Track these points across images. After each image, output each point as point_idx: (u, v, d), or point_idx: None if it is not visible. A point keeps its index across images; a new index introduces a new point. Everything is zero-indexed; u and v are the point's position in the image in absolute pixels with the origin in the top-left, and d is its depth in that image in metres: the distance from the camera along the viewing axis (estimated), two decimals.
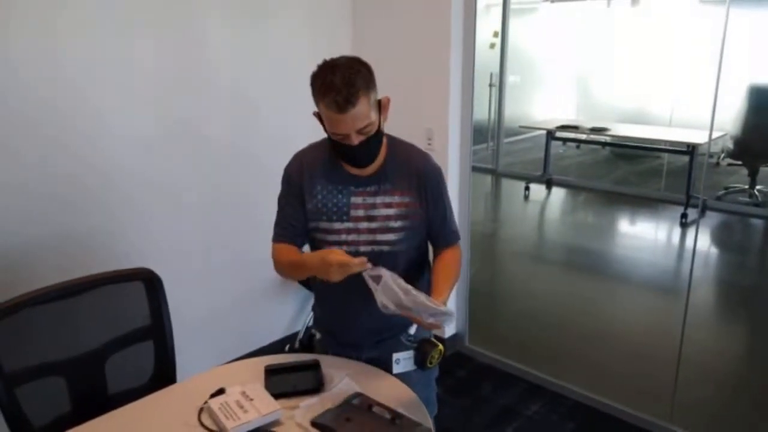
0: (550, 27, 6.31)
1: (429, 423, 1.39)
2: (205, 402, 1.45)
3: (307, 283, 2.99)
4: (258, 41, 2.82)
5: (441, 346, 1.48)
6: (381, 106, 1.47)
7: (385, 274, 1.38)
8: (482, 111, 5.69)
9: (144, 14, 2.39)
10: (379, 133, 1.47)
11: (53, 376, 1.57)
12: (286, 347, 3.15)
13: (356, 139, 1.41)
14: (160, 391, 1.58)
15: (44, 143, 2.21)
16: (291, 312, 3.30)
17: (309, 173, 1.57)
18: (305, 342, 2.99)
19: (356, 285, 1.43)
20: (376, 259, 1.48)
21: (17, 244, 2.20)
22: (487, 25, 5.37)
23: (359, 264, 1.39)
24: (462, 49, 2.85)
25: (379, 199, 1.54)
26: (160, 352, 1.74)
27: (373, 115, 1.42)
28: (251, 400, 1.43)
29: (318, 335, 1.78)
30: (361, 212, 1.54)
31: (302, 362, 1.61)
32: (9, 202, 2.15)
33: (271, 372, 1.57)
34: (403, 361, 1.61)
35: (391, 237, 1.54)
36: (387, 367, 1.61)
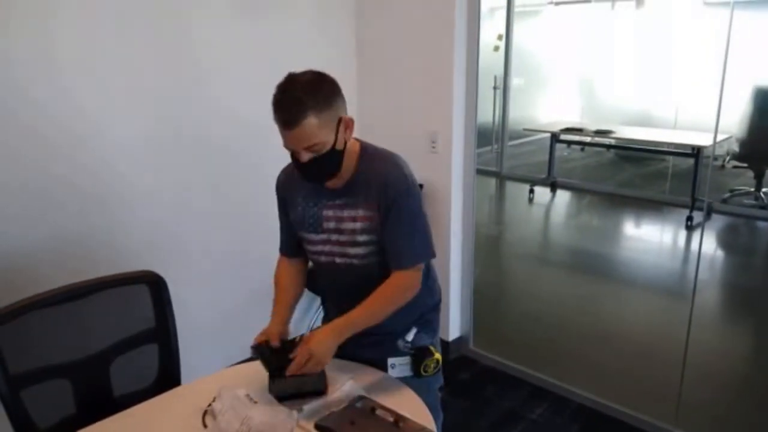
0: (554, 29, 6.31)
1: (432, 426, 1.39)
2: (209, 404, 1.45)
3: (314, 288, 3.00)
4: (259, 43, 2.82)
5: (438, 355, 1.48)
6: (342, 124, 1.44)
7: None
8: (486, 114, 5.69)
9: (142, 15, 2.40)
10: (334, 152, 1.43)
11: (58, 379, 1.58)
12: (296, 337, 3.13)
13: (305, 156, 1.41)
14: (165, 393, 1.59)
15: (45, 146, 2.22)
16: (296, 314, 3.29)
17: (291, 185, 1.62)
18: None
19: (351, 282, 1.52)
20: (351, 271, 1.57)
21: (21, 247, 2.21)
22: (491, 28, 5.37)
23: None
24: (466, 52, 2.85)
25: (346, 213, 1.55)
26: (165, 355, 1.75)
27: (325, 135, 1.39)
28: (255, 402, 1.43)
29: None
30: (332, 224, 1.57)
31: None
32: (12, 205, 2.16)
33: (274, 375, 1.57)
34: (398, 366, 1.60)
35: (359, 251, 1.56)
36: (383, 370, 1.62)
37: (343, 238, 1.56)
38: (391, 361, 1.59)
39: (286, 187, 1.65)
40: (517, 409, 2.77)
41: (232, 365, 1.79)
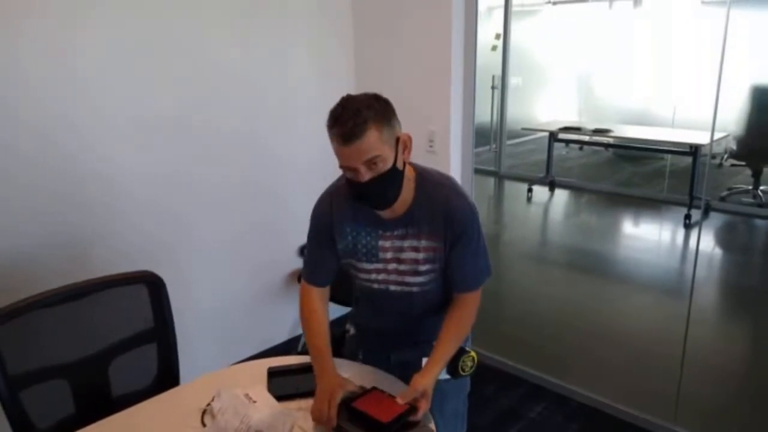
0: (552, 29, 6.32)
1: (429, 418, 1.40)
2: (208, 404, 1.46)
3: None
4: (260, 39, 2.82)
5: (474, 354, 1.44)
6: (400, 143, 1.38)
7: None
8: (485, 113, 5.70)
9: (148, 10, 2.41)
10: (396, 171, 1.37)
11: (57, 379, 1.58)
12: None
13: (366, 175, 1.33)
14: (164, 393, 1.59)
15: (46, 145, 2.21)
16: (295, 314, 3.30)
17: (338, 214, 1.53)
18: (337, 337, 2.94)
19: (403, 306, 1.52)
20: (408, 298, 1.53)
21: (20, 247, 2.21)
22: (489, 28, 5.39)
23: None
24: (463, 52, 2.85)
25: (406, 243, 1.49)
26: (164, 354, 1.75)
27: (386, 150, 1.33)
28: (254, 402, 1.43)
29: (352, 330, 1.78)
30: (389, 254, 1.51)
31: (305, 364, 1.61)
32: (11, 204, 2.16)
33: (273, 374, 1.58)
34: None
35: (419, 279, 1.51)
36: (417, 371, 1.52)
37: (403, 267, 1.50)
38: (426, 361, 1.53)
39: (332, 216, 1.54)
40: (516, 407, 2.78)
41: (231, 365, 1.79)
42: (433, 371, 1.41)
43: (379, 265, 1.52)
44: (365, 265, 1.54)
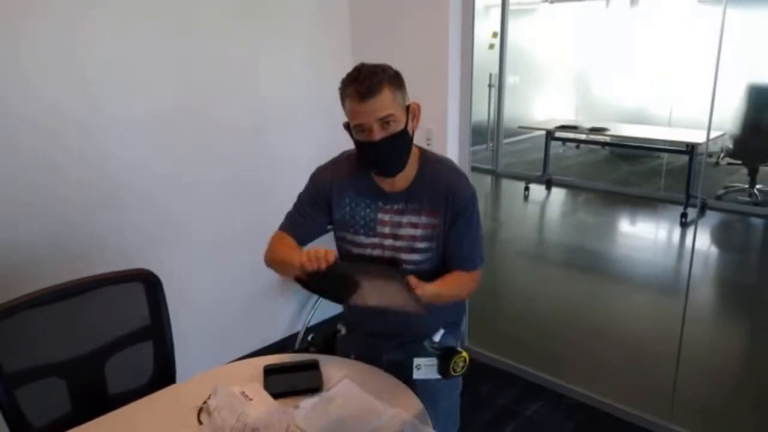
0: (549, 27, 6.32)
1: (427, 419, 1.40)
2: (205, 402, 1.46)
3: (309, 287, 3.00)
4: (258, 39, 2.82)
5: (465, 354, 1.43)
6: (410, 111, 1.43)
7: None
8: (482, 111, 5.69)
9: (151, 21, 2.41)
10: (406, 135, 1.42)
11: (53, 377, 1.57)
12: (310, 336, 3.14)
13: (378, 134, 1.37)
14: (160, 391, 1.59)
15: (46, 144, 2.21)
16: (291, 312, 3.31)
17: (339, 182, 1.55)
18: (329, 337, 2.94)
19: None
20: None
21: (16, 245, 2.20)
22: (486, 26, 5.38)
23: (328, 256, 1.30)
24: (461, 50, 2.85)
25: (405, 219, 1.50)
26: (160, 353, 1.75)
27: (399, 110, 1.39)
28: (250, 399, 1.43)
29: (343, 330, 1.78)
30: (387, 229, 1.52)
31: (301, 362, 1.61)
32: (6, 201, 2.15)
33: (269, 372, 1.58)
34: (424, 367, 1.54)
35: (415, 257, 1.51)
36: (408, 371, 1.55)
37: (399, 243, 1.51)
38: (417, 361, 1.54)
39: (333, 185, 1.56)
40: (513, 406, 2.78)
41: (228, 363, 1.79)
42: (429, 288, 1.38)
43: (376, 240, 1.53)
44: (362, 239, 1.54)
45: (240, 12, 2.72)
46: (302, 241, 1.59)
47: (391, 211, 1.51)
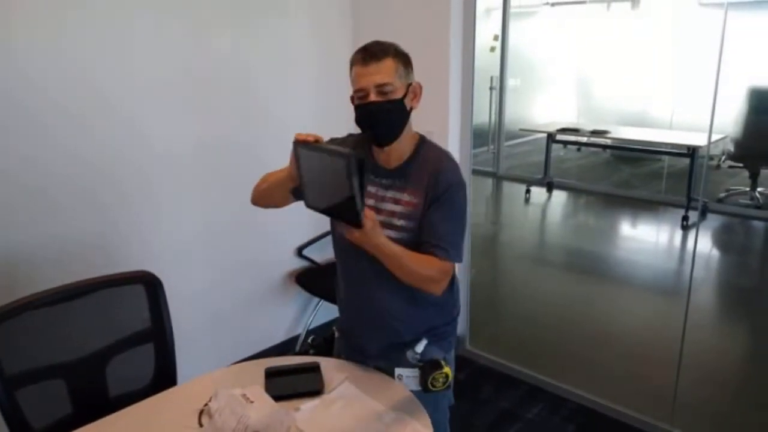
0: (550, 30, 6.32)
1: (428, 423, 1.40)
2: (206, 404, 1.45)
3: (312, 289, 3.00)
4: (258, 39, 2.82)
5: (447, 370, 1.41)
6: (411, 90, 1.48)
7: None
8: (483, 114, 5.70)
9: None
10: (402, 106, 1.46)
11: (54, 379, 1.57)
12: (311, 338, 3.15)
13: (374, 96, 1.42)
14: (161, 393, 1.59)
15: (46, 143, 2.21)
16: (293, 315, 3.31)
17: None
18: (328, 339, 2.92)
19: (370, 266, 1.43)
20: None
21: (17, 247, 2.20)
22: (487, 29, 5.38)
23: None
24: (462, 53, 2.85)
25: (389, 194, 1.52)
26: (161, 355, 1.75)
27: (398, 82, 1.44)
28: (251, 402, 1.43)
29: (337, 334, 1.79)
30: (371, 201, 1.53)
31: (302, 365, 1.62)
32: (9, 203, 2.15)
33: (271, 374, 1.58)
34: (406, 378, 1.54)
35: (391, 233, 1.50)
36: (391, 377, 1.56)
37: (379, 217, 1.48)
38: (398, 371, 1.54)
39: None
40: (514, 409, 2.78)
41: (229, 365, 1.79)
42: (383, 239, 1.35)
43: None
44: None
45: (240, 13, 2.72)
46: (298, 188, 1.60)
47: (378, 185, 1.54)
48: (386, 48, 1.44)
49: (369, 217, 1.28)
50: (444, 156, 1.55)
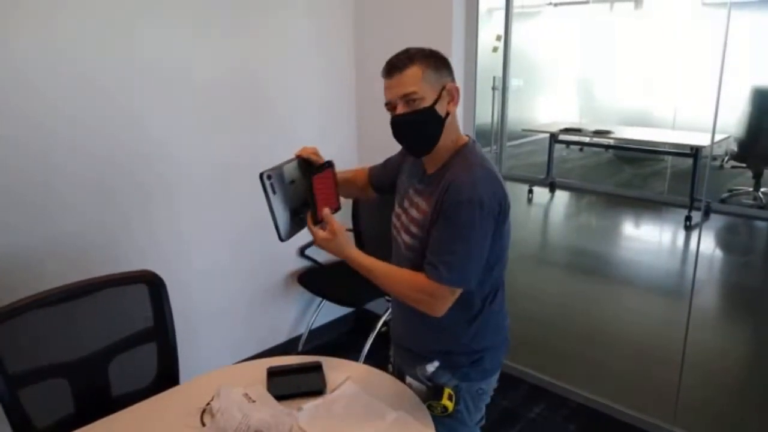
0: (553, 30, 6.32)
1: (429, 422, 1.40)
2: (208, 404, 1.46)
3: (313, 288, 2.99)
4: (258, 40, 2.83)
5: (447, 403, 1.39)
6: (445, 92, 1.41)
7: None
8: (485, 114, 5.67)
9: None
10: (434, 113, 1.39)
11: (57, 378, 1.58)
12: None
13: (400, 108, 1.39)
14: (163, 392, 1.59)
15: (46, 143, 2.20)
16: (295, 315, 3.31)
17: (406, 163, 1.64)
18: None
19: (397, 246, 1.52)
20: (399, 252, 1.55)
21: (20, 246, 2.21)
22: (489, 29, 5.37)
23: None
24: (464, 53, 2.85)
25: (416, 199, 1.50)
26: (163, 354, 1.75)
27: (424, 90, 1.37)
28: (253, 401, 1.43)
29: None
30: (406, 204, 1.55)
31: (304, 364, 1.62)
32: (11, 201, 2.16)
33: (273, 374, 1.58)
34: (414, 388, 1.54)
35: (406, 239, 1.50)
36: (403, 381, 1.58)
37: (404, 220, 1.52)
38: (409, 380, 1.55)
39: (406, 156, 1.65)
40: (516, 408, 2.78)
41: (231, 364, 1.79)
42: (351, 252, 1.44)
43: (399, 210, 1.58)
44: (396, 207, 1.61)
45: (240, 13, 2.73)
46: (375, 179, 1.76)
47: (415, 190, 1.53)
48: (411, 55, 1.39)
49: (331, 230, 1.39)
50: (469, 167, 1.39)
